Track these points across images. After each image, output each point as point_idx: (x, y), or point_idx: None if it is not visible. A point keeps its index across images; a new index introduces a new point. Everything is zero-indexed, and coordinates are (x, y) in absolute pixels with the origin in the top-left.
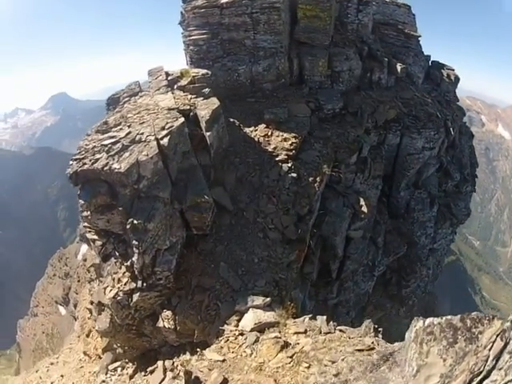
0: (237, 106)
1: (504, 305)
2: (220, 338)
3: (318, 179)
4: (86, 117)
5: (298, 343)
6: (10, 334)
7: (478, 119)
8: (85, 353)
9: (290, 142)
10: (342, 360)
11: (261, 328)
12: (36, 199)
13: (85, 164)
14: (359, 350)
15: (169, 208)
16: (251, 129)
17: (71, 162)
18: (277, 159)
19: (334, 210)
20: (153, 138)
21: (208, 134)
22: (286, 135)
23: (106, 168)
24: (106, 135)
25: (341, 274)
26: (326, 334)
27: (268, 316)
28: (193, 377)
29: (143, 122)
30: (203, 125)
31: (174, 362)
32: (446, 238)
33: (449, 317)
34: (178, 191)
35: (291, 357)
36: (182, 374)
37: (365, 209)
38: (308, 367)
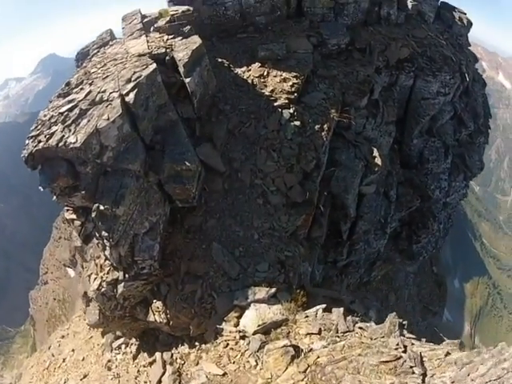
0: (225, 43)
1: (504, 254)
2: (218, 341)
3: (325, 126)
4: None
5: (312, 350)
6: (24, 309)
7: (478, 65)
8: None
9: (290, 83)
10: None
11: (266, 329)
12: None
13: (40, 142)
14: (385, 362)
15: (142, 182)
16: (243, 69)
17: (27, 142)
18: (275, 104)
19: (344, 162)
20: (117, 94)
21: (188, 80)
22: (285, 75)
23: (61, 144)
24: (65, 99)
25: (352, 236)
26: (344, 333)
27: (274, 312)
28: None
29: (107, 77)
30: (181, 69)
31: (172, 355)
32: (459, 191)
33: None
34: (153, 158)
35: (304, 372)
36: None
37: (378, 160)
38: None
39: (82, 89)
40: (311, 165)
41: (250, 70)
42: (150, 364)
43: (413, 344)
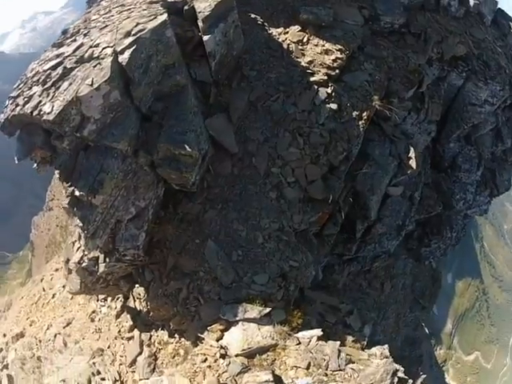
0: None
1: (499, 264)
2: (197, 350)
3: (364, 114)
4: None
5: None
6: (26, 235)
7: None
8: None
9: (333, 57)
10: None
11: (250, 354)
12: None
13: (17, 105)
14: None
15: (130, 163)
16: (280, 30)
17: (6, 103)
18: (312, 79)
19: (376, 158)
20: (110, 51)
21: (206, 37)
22: (328, 46)
23: (35, 113)
24: (54, 53)
25: (366, 236)
26: (334, 371)
27: (263, 335)
28: None
29: (105, 27)
30: (200, 24)
31: (151, 337)
32: (480, 206)
33: None
34: (148, 133)
35: None
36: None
37: (413, 162)
38: None
39: (74, 40)
40: (340, 157)
41: (287, 32)
42: (128, 339)
43: None
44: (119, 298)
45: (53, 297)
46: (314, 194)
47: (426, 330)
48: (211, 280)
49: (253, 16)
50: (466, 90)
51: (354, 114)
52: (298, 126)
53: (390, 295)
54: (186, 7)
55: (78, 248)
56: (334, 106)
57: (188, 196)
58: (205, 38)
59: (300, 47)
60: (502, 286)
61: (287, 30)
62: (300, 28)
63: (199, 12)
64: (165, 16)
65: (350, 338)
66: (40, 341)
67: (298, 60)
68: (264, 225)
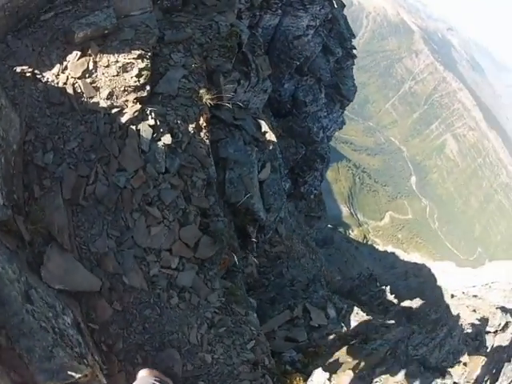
0: (25, 37)
1: (355, 138)
2: None
3: (201, 121)
4: None
5: None
6: None
7: None
8: None
9: (135, 71)
10: None
11: None
12: None
13: None
14: None
15: None
16: (55, 70)
17: None
18: (124, 120)
19: (234, 157)
20: None
21: None
22: (122, 58)
23: None
24: None
25: (262, 231)
26: None
27: None
28: None
29: None
30: None
31: None
32: (336, 121)
33: None
34: None
35: None
36: None
37: (271, 135)
38: None
39: None
40: (203, 191)
41: (66, 68)
42: None
43: None
44: None
45: None
46: (205, 255)
47: (330, 226)
48: None
49: (19, 69)
50: (284, 26)
51: (191, 128)
52: (143, 195)
53: (287, 238)
54: None
55: None
56: (166, 138)
57: None
58: None
59: (89, 80)
60: (369, 152)
61: (64, 64)
62: (79, 53)
63: None
64: None
65: None
66: None
67: (95, 100)
68: (179, 337)
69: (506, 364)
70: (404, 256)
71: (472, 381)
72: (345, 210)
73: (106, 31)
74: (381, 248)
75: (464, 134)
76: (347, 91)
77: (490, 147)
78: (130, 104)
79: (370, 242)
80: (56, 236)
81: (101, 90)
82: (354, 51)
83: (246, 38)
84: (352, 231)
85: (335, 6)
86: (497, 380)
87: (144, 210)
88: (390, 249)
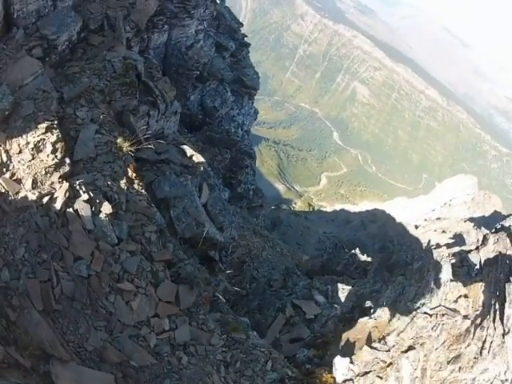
0: None
1: (264, 110)
2: None
3: (130, 174)
4: None
5: None
6: None
7: None
8: None
9: (49, 148)
10: None
11: None
12: None
13: None
14: None
15: None
16: None
17: None
18: (57, 207)
19: (172, 193)
20: None
21: None
22: (32, 137)
23: None
24: None
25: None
26: None
27: None
28: None
29: None
30: None
31: None
32: (249, 113)
33: None
34: None
35: None
36: None
37: (199, 157)
38: None
39: None
40: (161, 242)
41: None
42: None
43: None
44: None
45: None
46: (188, 303)
47: (273, 207)
48: None
49: None
50: (174, 40)
51: (123, 184)
52: (109, 275)
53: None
54: None
55: None
56: (105, 207)
57: None
58: None
59: (8, 175)
60: (284, 124)
61: None
62: None
63: None
64: None
65: None
66: None
67: (22, 195)
68: None
69: (507, 285)
70: (354, 208)
71: (480, 308)
72: (281, 187)
73: (7, 112)
74: (329, 209)
75: (371, 77)
76: (251, 81)
77: (400, 79)
78: (57, 186)
79: (316, 208)
80: (51, 352)
81: (23, 181)
82: (246, 39)
83: (141, 67)
84: (295, 204)
85: (217, 1)
86: (505, 301)
87: (116, 289)
88: (338, 207)
